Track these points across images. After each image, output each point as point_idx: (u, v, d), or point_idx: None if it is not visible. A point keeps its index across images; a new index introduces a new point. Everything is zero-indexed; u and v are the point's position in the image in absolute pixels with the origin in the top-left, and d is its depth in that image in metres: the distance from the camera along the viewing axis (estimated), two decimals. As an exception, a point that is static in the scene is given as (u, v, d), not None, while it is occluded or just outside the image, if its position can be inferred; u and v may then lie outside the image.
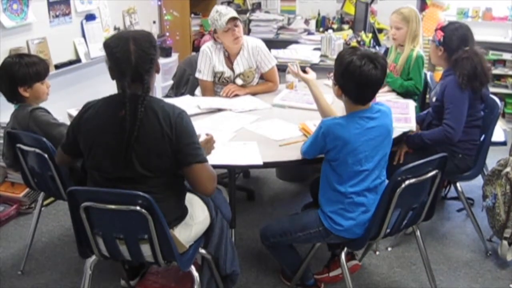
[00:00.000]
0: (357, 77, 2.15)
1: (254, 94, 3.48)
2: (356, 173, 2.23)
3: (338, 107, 2.84)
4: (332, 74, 2.34)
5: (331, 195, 2.30)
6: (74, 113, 2.69)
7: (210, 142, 2.35)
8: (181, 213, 2.16)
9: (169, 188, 2.08)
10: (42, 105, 2.76)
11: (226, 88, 3.45)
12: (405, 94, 3.44)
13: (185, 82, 3.83)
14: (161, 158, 1.99)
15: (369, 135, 2.22)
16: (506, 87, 5.35)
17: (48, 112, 2.68)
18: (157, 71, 2.10)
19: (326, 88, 3.64)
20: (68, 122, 2.79)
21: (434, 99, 3.02)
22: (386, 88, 3.47)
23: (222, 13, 3.25)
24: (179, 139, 1.98)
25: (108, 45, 2.00)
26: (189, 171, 2.03)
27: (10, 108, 2.76)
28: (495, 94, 3.06)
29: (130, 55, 1.95)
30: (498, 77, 5.35)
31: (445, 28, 2.96)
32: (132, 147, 1.95)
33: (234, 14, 3.27)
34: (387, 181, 2.26)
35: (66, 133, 2.18)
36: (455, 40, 2.91)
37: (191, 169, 2.02)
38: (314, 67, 4.36)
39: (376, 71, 2.15)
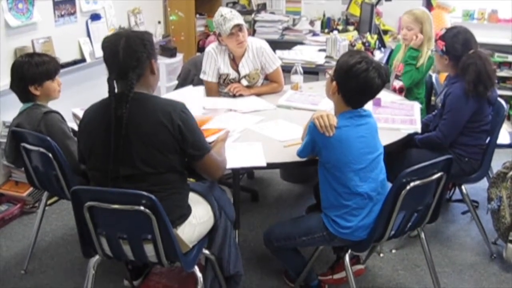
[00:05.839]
0: (361, 79, 2.18)
1: (259, 94, 3.47)
2: (356, 172, 2.22)
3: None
4: (331, 70, 2.34)
5: (334, 200, 2.28)
6: (79, 112, 2.71)
7: (226, 137, 2.50)
8: (184, 212, 2.16)
9: (171, 186, 2.08)
10: (53, 103, 2.80)
11: (232, 85, 3.44)
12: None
13: (189, 83, 3.82)
14: (163, 153, 2.00)
15: (361, 132, 2.25)
16: (511, 89, 5.33)
17: (63, 119, 2.71)
18: (152, 72, 2.09)
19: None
20: (72, 121, 2.81)
21: (440, 105, 3.01)
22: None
23: (227, 18, 3.23)
24: (187, 137, 2.02)
25: (104, 40, 2.06)
26: (200, 163, 2.11)
27: (11, 108, 2.76)
28: (500, 96, 3.04)
29: (118, 51, 1.98)
30: (504, 79, 5.31)
31: (444, 36, 2.93)
32: (130, 144, 1.97)
33: (239, 20, 3.25)
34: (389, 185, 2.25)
35: (77, 146, 2.22)
36: (457, 46, 2.89)
37: (203, 161, 2.10)
38: (319, 68, 4.38)
39: (378, 81, 2.20)
